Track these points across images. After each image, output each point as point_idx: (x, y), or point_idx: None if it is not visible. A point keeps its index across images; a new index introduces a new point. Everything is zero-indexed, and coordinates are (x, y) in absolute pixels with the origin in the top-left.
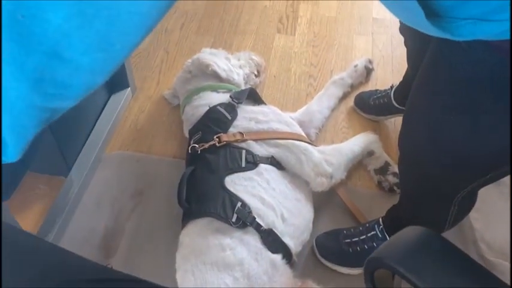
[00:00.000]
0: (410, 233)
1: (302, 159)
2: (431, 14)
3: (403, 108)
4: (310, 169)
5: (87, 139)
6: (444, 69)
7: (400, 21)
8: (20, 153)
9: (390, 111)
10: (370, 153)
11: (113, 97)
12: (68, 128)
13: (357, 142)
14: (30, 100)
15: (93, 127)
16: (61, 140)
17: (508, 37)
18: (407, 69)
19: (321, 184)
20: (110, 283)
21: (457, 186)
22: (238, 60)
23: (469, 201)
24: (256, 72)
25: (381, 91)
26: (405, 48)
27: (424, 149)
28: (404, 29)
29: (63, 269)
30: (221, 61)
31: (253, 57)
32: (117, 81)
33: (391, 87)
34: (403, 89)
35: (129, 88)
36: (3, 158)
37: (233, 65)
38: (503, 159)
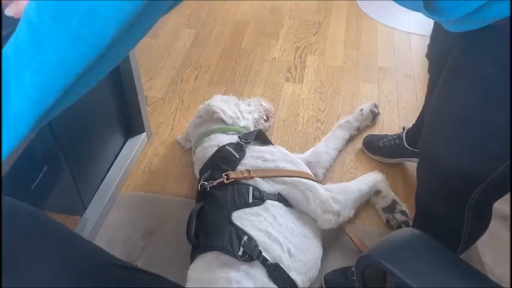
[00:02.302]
0: (399, 233)
1: (309, 196)
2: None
3: (414, 149)
4: (317, 206)
5: (103, 180)
6: (463, 70)
7: (428, 46)
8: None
9: (399, 153)
10: (377, 192)
11: (129, 141)
12: (86, 169)
13: (364, 181)
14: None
15: (109, 169)
16: (79, 181)
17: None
18: (421, 110)
19: (328, 221)
20: (136, 272)
21: (468, 184)
22: (248, 105)
23: (483, 214)
24: (265, 117)
25: (391, 135)
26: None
27: (440, 142)
28: (432, 52)
29: (93, 255)
30: (229, 108)
31: (263, 103)
32: (134, 127)
33: (403, 128)
34: (417, 131)
35: (145, 133)
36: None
37: (242, 110)
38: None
